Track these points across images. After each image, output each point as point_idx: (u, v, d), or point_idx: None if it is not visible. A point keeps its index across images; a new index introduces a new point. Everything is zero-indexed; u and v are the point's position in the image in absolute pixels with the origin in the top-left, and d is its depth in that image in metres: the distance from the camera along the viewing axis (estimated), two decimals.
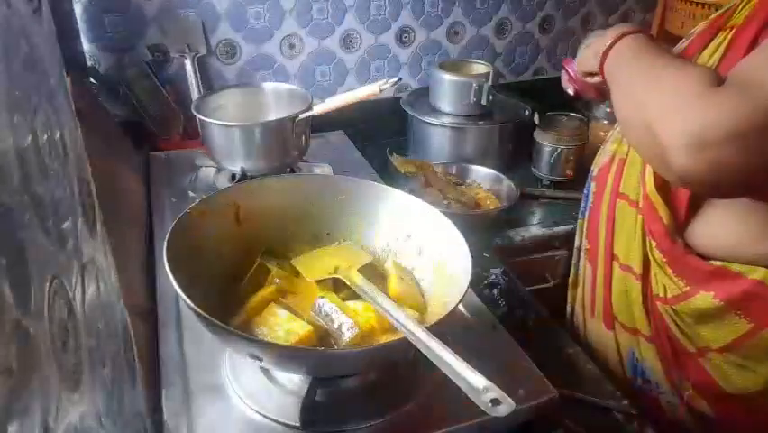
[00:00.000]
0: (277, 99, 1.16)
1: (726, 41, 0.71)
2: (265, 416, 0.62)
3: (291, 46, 1.42)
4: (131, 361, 0.52)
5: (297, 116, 1.02)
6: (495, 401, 0.46)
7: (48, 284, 0.32)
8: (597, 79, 0.82)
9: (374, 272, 0.74)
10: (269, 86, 1.18)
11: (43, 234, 0.33)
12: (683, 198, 0.75)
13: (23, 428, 0.26)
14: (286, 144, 1.05)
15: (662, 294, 0.80)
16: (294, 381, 0.66)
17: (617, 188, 0.86)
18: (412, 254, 0.77)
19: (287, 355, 0.58)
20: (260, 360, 0.56)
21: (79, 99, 0.99)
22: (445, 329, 0.62)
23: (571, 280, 1.02)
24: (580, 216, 0.98)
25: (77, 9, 1.23)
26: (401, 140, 1.48)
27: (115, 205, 0.88)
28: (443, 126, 1.36)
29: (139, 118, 1.30)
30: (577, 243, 0.99)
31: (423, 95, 1.45)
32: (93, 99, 1.18)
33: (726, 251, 0.73)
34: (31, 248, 0.30)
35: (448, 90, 1.36)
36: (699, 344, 0.78)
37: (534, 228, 1.22)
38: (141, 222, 0.96)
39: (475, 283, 0.91)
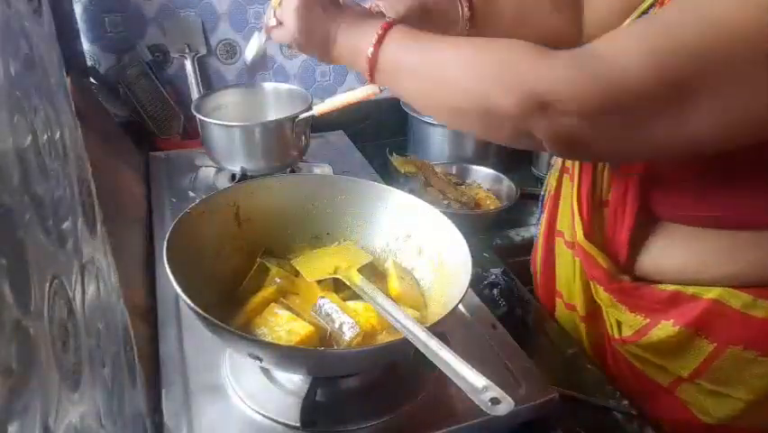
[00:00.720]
0: (277, 99, 1.16)
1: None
2: (265, 416, 0.62)
3: (291, 46, 1.42)
4: (131, 361, 0.52)
5: (297, 116, 1.02)
6: (494, 400, 0.46)
7: (48, 284, 0.32)
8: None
9: (374, 272, 0.74)
10: (269, 86, 1.18)
11: (43, 234, 0.33)
12: (622, 240, 0.73)
13: (23, 428, 0.26)
14: (286, 144, 1.05)
15: (616, 334, 0.77)
16: (294, 381, 0.66)
17: (554, 224, 0.84)
18: (412, 254, 0.77)
19: (287, 355, 0.58)
20: (260, 360, 0.57)
21: (79, 99, 0.99)
22: (445, 329, 0.62)
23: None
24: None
25: (77, 9, 1.23)
26: (401, 140, 1.48)
27: (115, 205, 0.88)
28: (443, 126, 1.36)
29: (139, 118, 1.30)
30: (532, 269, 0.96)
31: None
32: (93, 99, 1.18)
33: (676, 276, 0.71)
34: (31, 248, 0.30)
35: None
36: (669, 377, 0.75)
37: (534, 228, 1.21)
38: (142, 222, 0.96)
39: (475, 283, 0.91)
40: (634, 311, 0.75)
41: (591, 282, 0.78)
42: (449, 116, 0.65)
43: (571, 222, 0.78)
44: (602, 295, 0.76)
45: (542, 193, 0.92)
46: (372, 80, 0.67)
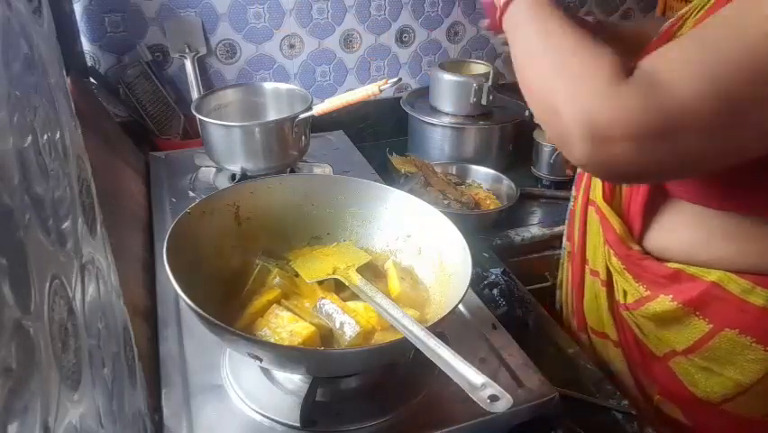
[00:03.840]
0: (277, 99, 1.16)
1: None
2: (265, 416, 0.62)
3: (291, 46, 1.42)
4: (131, 361, 0.52)
5: (297, 116, 1.02)
6: (493, 397, 0.46)
7: (48, 284, 0.32)
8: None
9: (374, 272, 0.74)
10: (269, 86, 1.18)
11: (43, 235, 0.33)
12: (638, 207, 0.76)
13: (23, 428, 0.26)
14: (286, 144, 1.05)
15: (622, 300, 0.81)
16: (294, 381, 0.66)
17: (588, 194, 0.87)
18: (412, 254, 0.77)
19: (286, 355, 0.58)
20: (260, 360, 0.57)
21: (79, 99, 0.99)
22: (445, 329, 0.62)
23: (558, 279, 1.02)
24: (566, 218, 0.99)
25: (77, 9, 1.23)
26: (401, 140, 1.48)
27: (115, 205, 0.88)
28: (443, 126, 1.36)
29: (139, 118, 1.30)
30: (564, 243, 1.00)
31: (423, 95, 1.45)
32: (93, 99, 1.18)
33: (681, 255, 0.74)
34: (31, 248, 0.30)
35: (448, 90, 1.36)
36: (664, 348, 0.78)
37: (534, 228, 1.22)
38: (142, 222, 0.96)
39: (475, 283, 0.91)
40: (638, 281, 0.78)
41: (606, 248, 0.81)
42: (527, 94, 0.66)
43: (601, 187, 0.82)
44: (614, 260, 0.80)
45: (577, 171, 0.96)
46: (499, 27, 0.70)
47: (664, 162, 0.56)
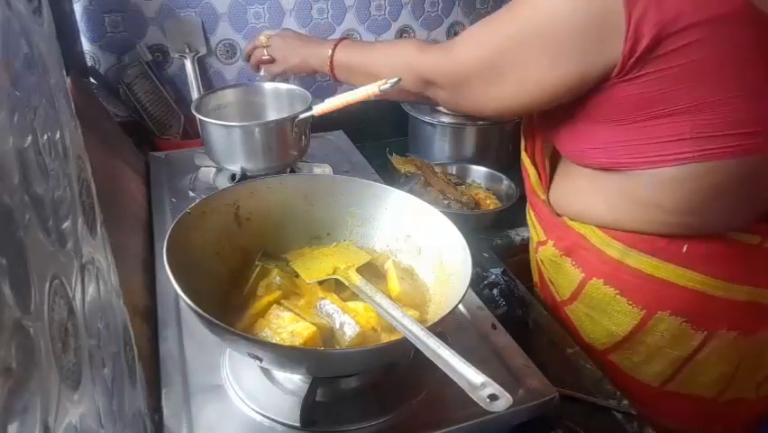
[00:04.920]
0: (277, 99, 1.16)
1: None
2: (265, 416, 0.62)
3: None
4: (131, 361, 0.52)
5: (296, 116, 1.02)
6: (492, 397, 0.46)
7: (48, 284, 0.32)
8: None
9: (374, 272, 0.74)
10: (269, 86, 1.18)
11: (43, 234, 0.33)
12: (540, 159, 0.96)
13: (23, 428, 0.26)
14: (286, 144, 1.05)
15: (534, 243, 0.97)
16: (294, 381, 0.66)
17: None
18: (412, 254, 0.77)
19: (286, 355, 0.58)
20: (260, 360, 0.57)
21: (79, 99, 0.99)
22: (445, 329, 0.62)
23: None
24: None
25: (77, 9, 1.23)
26: (401, 140, 1.48)
27: (115, 205, 0.88)
28: (443, 126, 1.36)
29: (139, 118, 1.30)
30: None
31: None
32: (93, 99, 1.18)
33: (562, 206, 0.91)
34: (31, 248, 0.30)
35: None
36: (559, 294, 0.92)
37: None
38: (142, 222, 0.96)
39: (475, 283, 0.91)
40: (540, 224, 0.96)
41: (528, 205, 1.01)
42: (398, 96, 0.98)
43: (523, 143, 1.03)
44: (528, 207, 1.01)
45: None
46: (334, 77, 1.04)
47: (468, 101, 0.86)
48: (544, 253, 0.92)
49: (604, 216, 0.83)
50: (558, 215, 0.92)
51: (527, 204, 1.01)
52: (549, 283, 0.94)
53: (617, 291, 0.83)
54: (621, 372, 0.87)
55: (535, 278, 1.01)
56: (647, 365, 0.86)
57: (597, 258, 0.84)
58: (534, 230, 0.97)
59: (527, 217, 1.01)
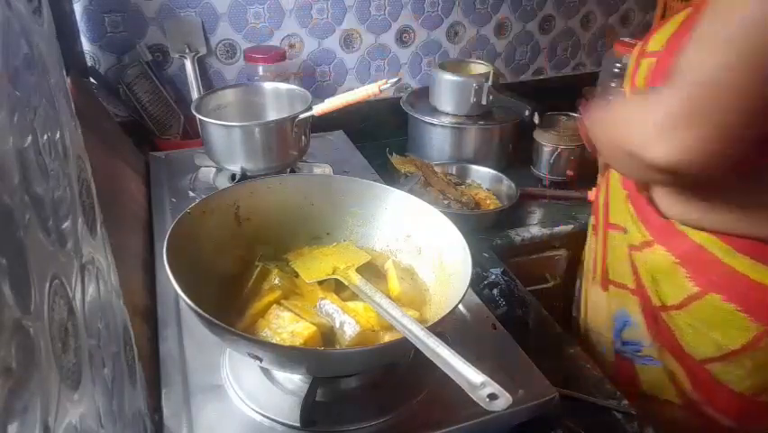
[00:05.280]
0: (277, 99, 1.16)
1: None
2: (265, 416, 0.62)
3: (291, 46, 1.42)
4: (131, 361, 0.52)
5: (296, 116, 1.02)
6: (492, 396, 0.46)
7: (48, 284, 0.32)
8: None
9: (374, 272, 0.74)
10: (269, 86, 1.18)
11: (43, 234, 0.33)
12: None
13: (23, 428, 0.26)
14: (286, 144, 1.05)
15: (636, 244, 0.84)
16: (294, 381, 0.66)
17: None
18: (412, 254, 0.77)
19: (286, 355, 0.58)
20: (260, 360, 0.57)
21: (79, 99, 0.99)
22: (445, 329, 0.62)
23: (583, 256, 1.05)
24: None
25: (77, 9, 1.23)
26: (401, 140, 1.48)
27: (115, 205, 0.88)
28: (443, 126, 1.36)
29: (139, 118, 1.30)
30: (591, 221, 1.03)
31: (423, 95, 1.45)
32: (93, 99, 1.18)
33: (668, 206, 0.79)
34: (31, 248, 0.30)
35: (448, 90, 1.36)
36: (660, 299, 0.81)
37: (534, 228, 1.22)
38: (142, 222, 0.96)
39: (475, 283, 0.91)
40: (643, 225, 0.82)
41: (626, 193, 0.86)
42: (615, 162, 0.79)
43: None
44: (629, 205, 0.85)
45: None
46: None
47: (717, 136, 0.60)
48: (652, 257, 0.81)
49: (727, 224, 0.73)
50: (662, 215, 0.80)
51: (625, 197, 0.87)
52: (646, 285, 0.84)
53: (739, 308, 0.74)
54: (713, 379, 0.80)
55: (631, 283, 0.88)
56: (747, 379, 0.79)
57: (718, 271, 0.74)
58: (635, 227, 0.84)
59: (626, 213, 0.87)
